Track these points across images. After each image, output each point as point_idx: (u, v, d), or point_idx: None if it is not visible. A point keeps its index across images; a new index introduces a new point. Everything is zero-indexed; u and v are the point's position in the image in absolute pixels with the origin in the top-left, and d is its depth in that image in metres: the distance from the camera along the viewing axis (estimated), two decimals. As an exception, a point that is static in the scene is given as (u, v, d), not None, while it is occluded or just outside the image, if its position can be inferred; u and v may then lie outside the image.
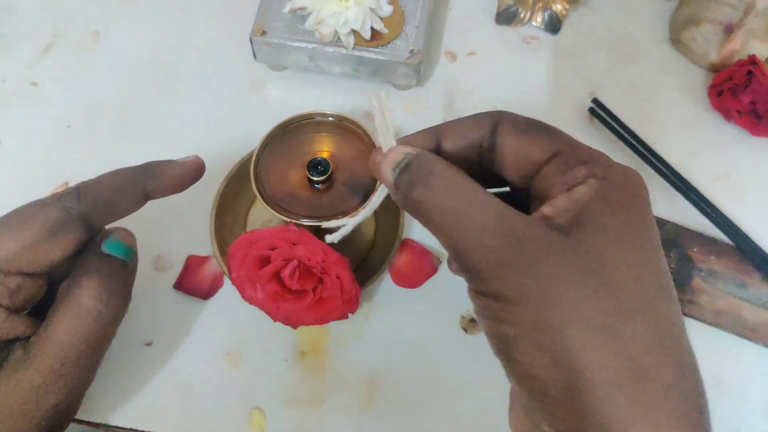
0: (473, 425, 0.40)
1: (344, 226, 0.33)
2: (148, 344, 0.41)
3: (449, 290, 0.43)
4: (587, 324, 0.22)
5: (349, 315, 0.39)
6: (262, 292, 0.37)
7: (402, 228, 0.43)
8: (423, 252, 0.44)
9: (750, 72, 0.47)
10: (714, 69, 0.51)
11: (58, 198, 0.32)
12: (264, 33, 0.48)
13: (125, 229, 0.35)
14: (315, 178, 0.37)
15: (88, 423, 0.39)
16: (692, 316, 0.43)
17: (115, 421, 0.39)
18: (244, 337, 0.41)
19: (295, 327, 0.39)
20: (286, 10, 0.47)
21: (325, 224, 0.35)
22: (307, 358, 0.41)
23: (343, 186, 0.37)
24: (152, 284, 0.43)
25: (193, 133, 0.49)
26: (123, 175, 0.33)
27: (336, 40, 0.47)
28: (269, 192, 0.37)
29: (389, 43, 0.47)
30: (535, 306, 0.22)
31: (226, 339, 0.41)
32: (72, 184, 0.44)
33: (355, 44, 0.47)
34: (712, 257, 0.44)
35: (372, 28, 0.47)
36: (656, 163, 0.47)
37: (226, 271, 0.41)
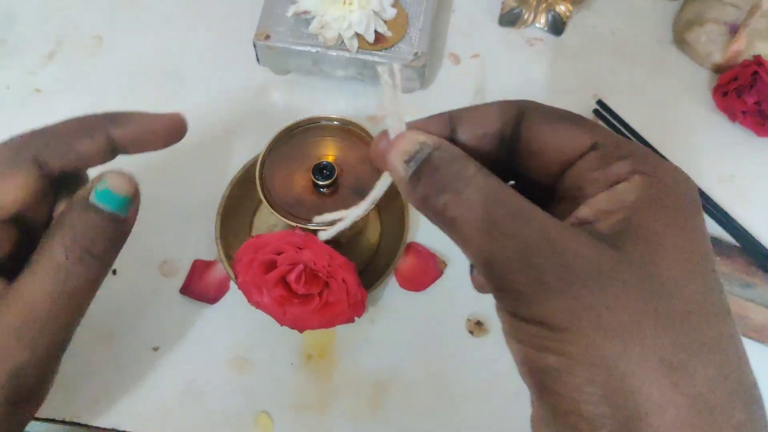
0: (481, 429, 0.40)
1: (342, 220, 0.30)
2: (155, 349, 0.41)
3: (455, 293, 0.43)
4: (648, 357, 0.19)
5: (356, 319, 0.39)
6: (269, 296, 0.37)
7: (407, 231, 0.43)
8: (428, 255, 0.44)
9: (755, 72, 0.47)
10: (718, 70, 0.51)
11: (8, 138, 0.29)
12: (267, 37, 0.48)
13: (122, 174, 0.29)
14: (320, 183, 0.37)
15: (96, 428, 0.39)
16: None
17: (123, 425, 0.39)
18: (251, 342, 0.42)
19: (301, 331, 0.39)
20: (289, 14, 0.47)
21: (317, 219, 0.32)
22: (313, 362, 0.41)
23: (348, 190, 0.37)
24: (159, 289, 0.43)
25: (197, 139, 0.49)
26: (84, 119, 0.30)
27: (340, 44, 0.47)
28: (275, 196, 0.37)
29: (393, 46, 0.47)
30: (587, 335, 0.20)
31: (232, 343, 0.41)
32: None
33: (358, 48, 0.47)
34: (717, 258, 0.44)
35: (375, 32, 0.47)
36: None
37: (232, 275, 0.41)
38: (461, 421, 0.40)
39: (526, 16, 0.53)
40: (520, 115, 0.25)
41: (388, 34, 0.47)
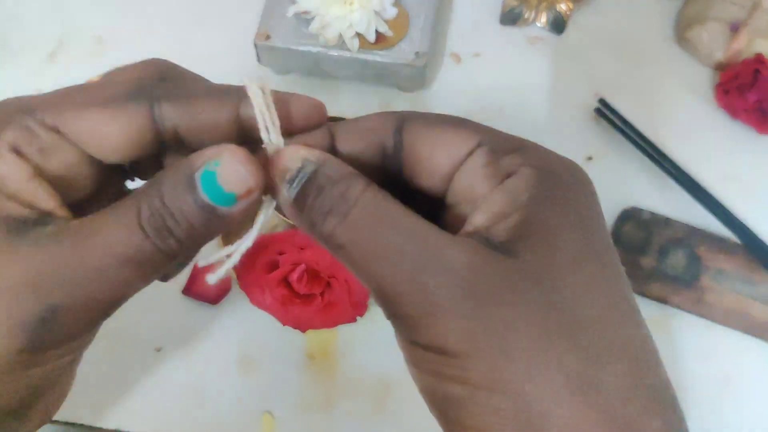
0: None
1: (231, 255, 0.25)
2: (158, 350, 0.41)
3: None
4: (554, 376, 0.18)
5: (358, 318, 0.39)
6: (271, 296, 0.37)
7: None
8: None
9: (756, 70, 0.47)
10: (720, 68, 0.51)
11: (135, 67, 0.25)
12: (268, 37, 0.48)
13: (242, 165, 0.21)
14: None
15: (100, 429, 0.39)
16: (701, 315, 0.43)
17: (127, 426, 0.39)
18: (254, 342, 0.42)
19: (303, 331, 0.39)
20: (290, 14, 0.47)
21: (202, 263, 0.26)
22: (316, 362, 0.41)
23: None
24: (161, 290, 0.43)
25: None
26: (215, 85, 0.26)
27: (341, 44, 0.47)
28: (277, 197, 0.37)
29: (394, 45, 0.47)
30: (486, 359, 0.18)
31: (235, 343, 0.42)
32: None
33: (359, 47, 0.47)
34: (720, 256, 0.44)
35: (376, 31, 0.47)
36: (664, 162, 0.47)
37: (234, 276, 0.41)
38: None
39: (527, 15, 0.53)
40: (401, 124, 0.23)
41: (389, 33, 0.47)
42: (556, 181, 0.20)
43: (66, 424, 0.39)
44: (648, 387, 0.19)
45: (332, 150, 0.23)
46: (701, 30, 0.51)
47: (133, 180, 0.27)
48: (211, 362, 0.41)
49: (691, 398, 0.41)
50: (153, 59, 0.26)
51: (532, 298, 0.18)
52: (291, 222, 0.36)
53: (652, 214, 0.46)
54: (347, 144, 0.23)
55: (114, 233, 0.21)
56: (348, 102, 0.51)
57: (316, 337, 0.42)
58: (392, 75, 0.48)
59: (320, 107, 0.25)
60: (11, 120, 0.23)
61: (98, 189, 0.25)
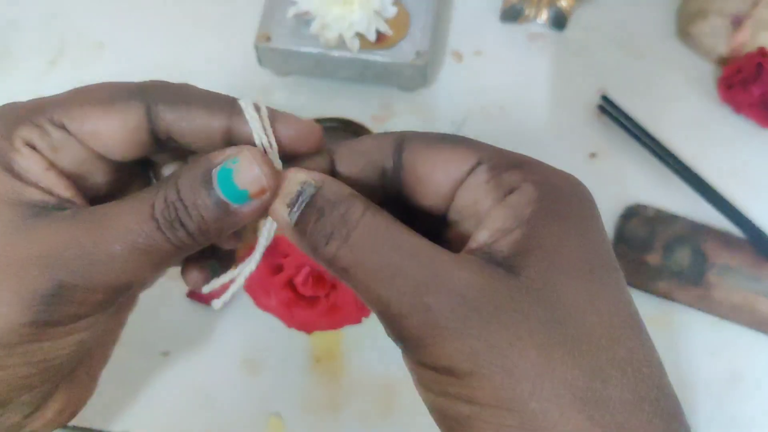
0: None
1: (235, 279, 0.26)
2: (165, 354, 0.41)
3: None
4: (560, 392, 0.18)
5: (363, 319, 0.39)
6: (276, 299, 0.37)
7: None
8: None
9: (759, 64, 0.46)
10: (723, 62, 0.51)
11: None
12: (269, 39, 0.48)
13: (259, 167, 0.22)
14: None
15: (107, 434, 0.39)
16: (707, 312, 0.43)
17: (135, 430, 0.39)
18: (260, 344, 0.42)
19: (309, 333, 0.39)
20: (290, 15, 0.47)
21: (206, 289, 0.28)
22: (322, 364, 0.41)
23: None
24: (166, 294, 0.43)
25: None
26: (212, 93, 0.25)
27: (341, 44, 0.47)
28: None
29: (395, 45, 0.47)
30: (492, 378, 0.18)
31: (241, 346, 0.42)
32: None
33: (360, 47, 0.47)
34: (726, 252, 0.44)
35: (377, 31, 0.47)
36: (667, 158, 0.46)
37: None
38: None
39: (528, 12, 0.53)
40: (400, 144, 0.23)
41: (390, 33, 0.47)
42: (558, 196, 0.21)
43: (75, 428, 0.39)
44: (652, 401, 0.19)
45: (332, 172, 0.23)
46: (703, 24, 0.50)
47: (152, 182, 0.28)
48: (218, 365, 0.41)
49: (699, 395, 0.41)
50: (157, 80, 0.26)
51: (534, 316, 0.19)
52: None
53: (657, 210, 0.45)
54: (347, 166, 0.24)
55: (127, 220, 0.22)
56: (349, 102, 0.50)
57: (321, 338, 0.42)
58: (393, 75, 0.48)
59: (313, 132, 0.25)
60: (24, 119, 0.24)
61: (119, 187, 0.26)
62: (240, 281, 0.26)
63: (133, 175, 0.27)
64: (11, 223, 0.22)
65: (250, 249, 0.36)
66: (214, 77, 0.52)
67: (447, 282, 0.19)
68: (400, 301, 0.20)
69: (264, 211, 0.23)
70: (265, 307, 0.38)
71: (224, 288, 0.27)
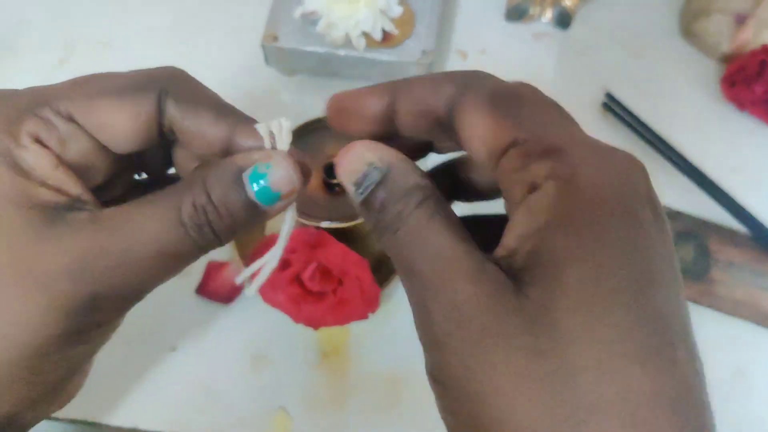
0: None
1: (265, 264, 0.27)
2: (173, 349, 0.42)
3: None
4: (526, 428, 0.17)
5: (370, 315, 0.39)
6: (283, 294, 0.38)
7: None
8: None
9: (763, 61, 0.47)
10: (726, 60, 0.51)
11: (150, 68, 0.25)
12: (275, 38, 0.48)
13: (292, 171, 0.23)
14: (332, 181, 0.37)
15: (117, 428, 0.40)
16: (711, 307, 0.43)
17: (143, 424, 0.40)
18: (267, 340, 0.42)
19: (316, 328, 0.39)
20: (296, 15, 0.48)
21: (239, 279, 0.29)
22: (329, 359, 0.42)
23: (360, 188, 0.38)
24: (175, 290, 0.43)
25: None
26: (225, 103, 0.26)
27: (347, 44, 0.47)
28: (287, 196, 0.37)
29: (400, 43, 0.47)
30: (469, 401, 0.18)
31: (249, 342, 0.42)
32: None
33: (366, 46, 0.47)
34: (730, 248, 0.44)
35: (383, 30, 0.47)
36: (672, 155, 0.47)
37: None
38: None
39: (532, 11, 0.53)
40: (463, 92, 0.21)
41: (395, 31, 0.47)
42: (583, 199, 0.18)
43: (84, 422, 0.40)
44: None
45: (393, 111, 0.23)
46: (707, 22, 0.51)
47: (140, 175, 0.28)
48: (225, 360, 0.41)
49: (703, 390, 0.41)
50: (170, 66, 0.26)
51: (519, 344, 0.17)
52: (303, 222, 0.36)
53: (661, 207, 0.46)
54: (405, 107, 0.22)
55: (155, 228, 0.22)
56: (355, 101, 0.51)
57: (328, 334, 0.42)
58: (399, 73, 0.48)
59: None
60: (29, 111, 0.23)
61: (108, 181, 0.26)
62: (272, 264, 0.27)
63: (125, 164, 0.27)
64: (28, 229, 0.21)
65: (266, 242, 0.37)
66: (221, 76, 0.52)
67: (450, 293, 0.18)
68: (413, 301, 0.20)
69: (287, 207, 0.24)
70: (272, 303, 0.39)
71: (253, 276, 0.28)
